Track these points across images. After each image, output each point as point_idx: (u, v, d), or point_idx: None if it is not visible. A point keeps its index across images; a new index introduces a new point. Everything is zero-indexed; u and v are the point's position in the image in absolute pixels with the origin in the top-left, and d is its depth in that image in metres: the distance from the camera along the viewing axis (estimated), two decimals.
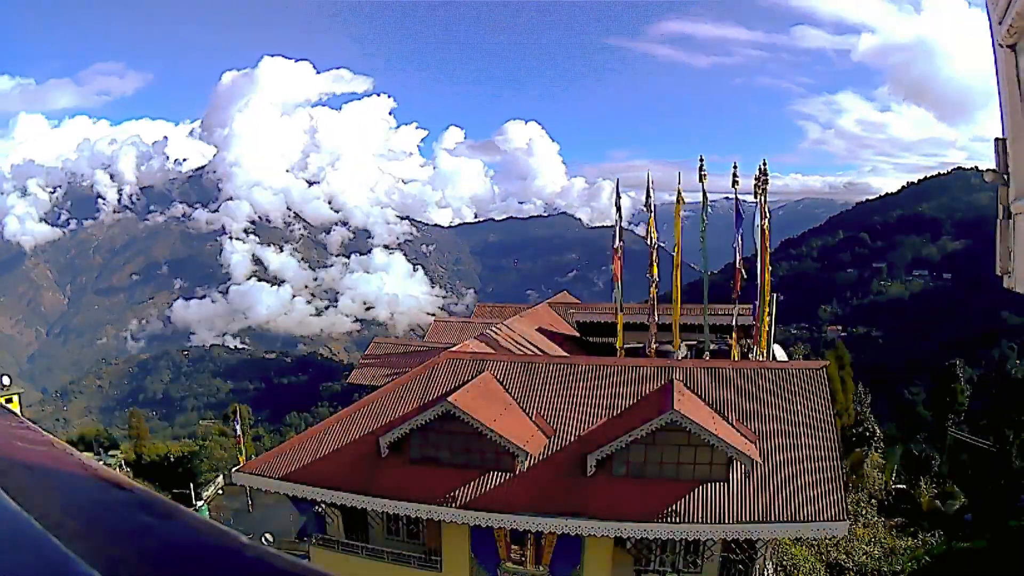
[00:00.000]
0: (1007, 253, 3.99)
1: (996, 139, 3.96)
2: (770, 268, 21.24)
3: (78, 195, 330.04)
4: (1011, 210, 3.91)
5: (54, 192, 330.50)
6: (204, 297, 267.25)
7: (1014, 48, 3.70)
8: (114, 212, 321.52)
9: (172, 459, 55.98)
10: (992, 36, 3.90)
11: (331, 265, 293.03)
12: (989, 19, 3.88)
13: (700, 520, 14.08)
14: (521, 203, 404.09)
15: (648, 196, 21.97)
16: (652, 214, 21.94)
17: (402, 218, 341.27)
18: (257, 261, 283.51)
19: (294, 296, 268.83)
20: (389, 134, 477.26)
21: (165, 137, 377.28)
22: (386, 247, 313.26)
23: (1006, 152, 3.89)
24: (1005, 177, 3.93)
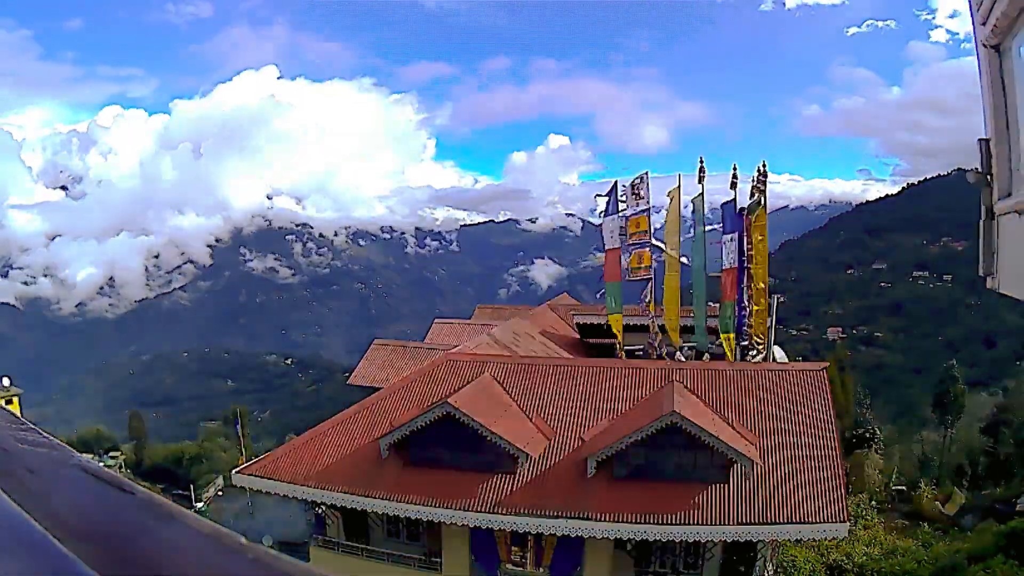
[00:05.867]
0: (990, 254, 4.00)
1: (980, 140, 3.98)
2: (768, 269, 21.26)
3: (77, 191, 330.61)
4: (994, 211, 3.92)
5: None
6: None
7: (998, 49, 3.71)
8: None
9: (172, 460, 56.01)
10: (975, 36, 3.91)
11: (328, 268, 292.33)
12: (973, 20, 3.90)
13: (700, 521, 14.07)
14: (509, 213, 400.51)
15: (637, 183, 21.83)
16: (647, 214, 21.90)
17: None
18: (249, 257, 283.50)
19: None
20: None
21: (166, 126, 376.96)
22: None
23: (990, 153, 3.90)
24: (988, 178, 3.94)
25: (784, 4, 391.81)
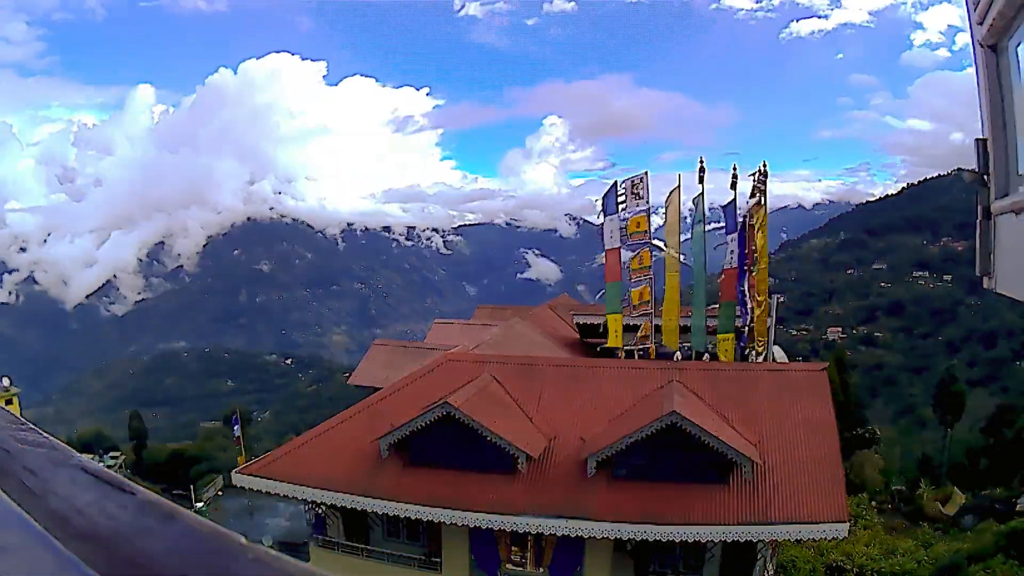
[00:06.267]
0: (987, 254, 4.00)
1: (977, 139, 3.98)
2: (768, 269, 21.26)
3: (77, 191, 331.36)
4: (991, 211, 3.92)
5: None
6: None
7: (994, 48, 3.71)
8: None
9: (172, 460, 56.01)
10: (972, 36, 3.91)
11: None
12: (970, 19, 3.89)
13: (700, 522, 14.07)
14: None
15: (637, 182, 21.78)
16: (647, 214, 21.85)
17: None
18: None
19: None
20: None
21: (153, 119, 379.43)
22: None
23: (986, 152, 3.90)
24: (985, 178, 3.93)
25: (779, 37, 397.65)
